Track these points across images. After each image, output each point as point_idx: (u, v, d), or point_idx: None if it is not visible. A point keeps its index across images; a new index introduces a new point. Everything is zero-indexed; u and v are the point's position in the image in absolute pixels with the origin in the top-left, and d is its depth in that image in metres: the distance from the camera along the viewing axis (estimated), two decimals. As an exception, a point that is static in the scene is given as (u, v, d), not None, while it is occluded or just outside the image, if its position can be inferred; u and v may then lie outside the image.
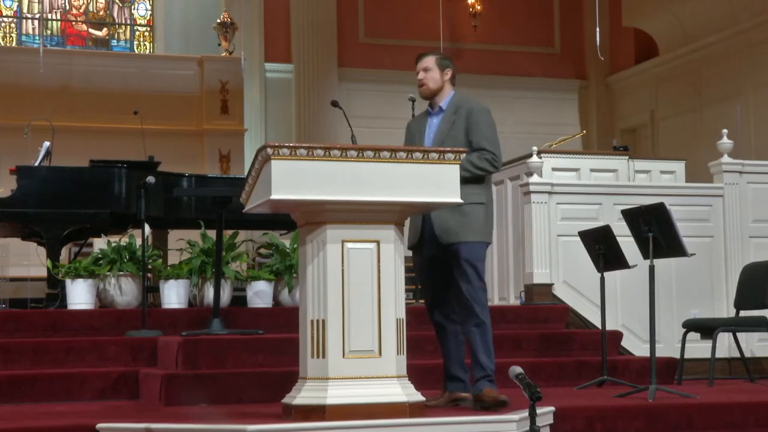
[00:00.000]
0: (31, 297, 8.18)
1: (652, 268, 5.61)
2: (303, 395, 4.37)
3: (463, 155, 4.56)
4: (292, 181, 4.28)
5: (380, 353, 4.41)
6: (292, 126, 14.64)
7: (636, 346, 7.52)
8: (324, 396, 4.30)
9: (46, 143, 7.71)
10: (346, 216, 4.42)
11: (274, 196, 4.26)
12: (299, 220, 4.58)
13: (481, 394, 4.84)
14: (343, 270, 4.40)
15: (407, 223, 4.86)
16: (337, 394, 4.31)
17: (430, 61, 5.16)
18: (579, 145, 13.86)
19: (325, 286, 4.38)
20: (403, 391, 4.41)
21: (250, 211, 4.67)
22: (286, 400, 4.48)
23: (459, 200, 4.51)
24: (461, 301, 4.99)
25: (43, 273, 8.57)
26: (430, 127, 5.12)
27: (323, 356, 4.37)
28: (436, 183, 4.45)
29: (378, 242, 4.45)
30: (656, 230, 5.55)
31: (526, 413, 4.35)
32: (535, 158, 7.72)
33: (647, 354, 7.23)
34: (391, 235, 4.48)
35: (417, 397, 4.45)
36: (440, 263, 5.03)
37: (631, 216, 5.75)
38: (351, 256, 4.41)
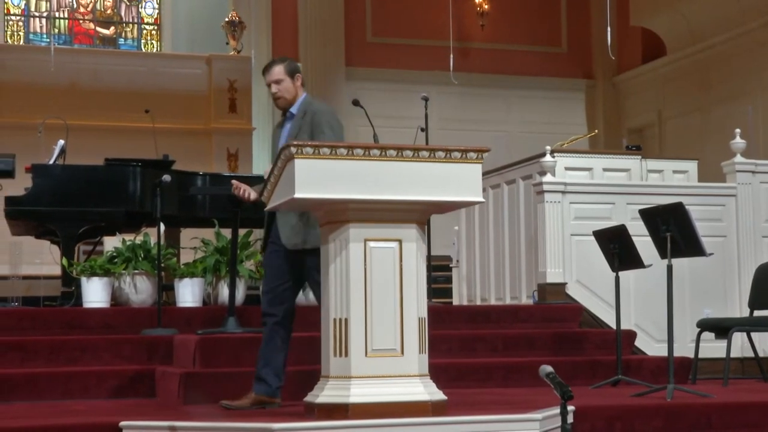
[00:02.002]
0: (44, 295, 8.18)
1: (670, 268, 5.61)
2: (326, 394, 4.37)
3: (485, 154, 4.55)
4: (316, 179, 4.29)
5: (402, 352, 4.42)
6: (299, 125, 14.64)
7: (649, 345, 7.52)
8: (347, 395, 4.31)
9: (61, 141, 7.72)
10: (369, 215, 4.42)
11: (297, 195, 4.27)
12: (321, 218, 4.58)
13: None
14: (365, 269, 4.41)
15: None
16: (360, 392, 4.32)
17: (279, 72, 5.09)
18: (586, 145, 13.87)
19: (347, 284, 4.39)
20: (425, 390, 4.42)
21: (272, 209, 4.68)
22: (309, 398, 4.49)
23: (481, 199, 4.52)
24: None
25: (56, 271, 8.59)
26: (283, 133, 5.11)
27: (346, 355, 4.37)
28: (458, 182, 4.46)
29: (400, 241, 4.46)
30: (674, 230, 5.55)
31: (549, 412, 4.37)
32: (548, 157, 7.72)
33: (660, 353, 7.26)
34: (413, 234, 4.49)
35: (439, 396, 4.46)
36: (286, 265, 5.04)
37: (649, 215, 5.74)
38: (373, 255, 4.42)
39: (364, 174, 4.34)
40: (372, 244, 4.43)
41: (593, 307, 7.56)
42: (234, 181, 5.30)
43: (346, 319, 4.39)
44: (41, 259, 8.98)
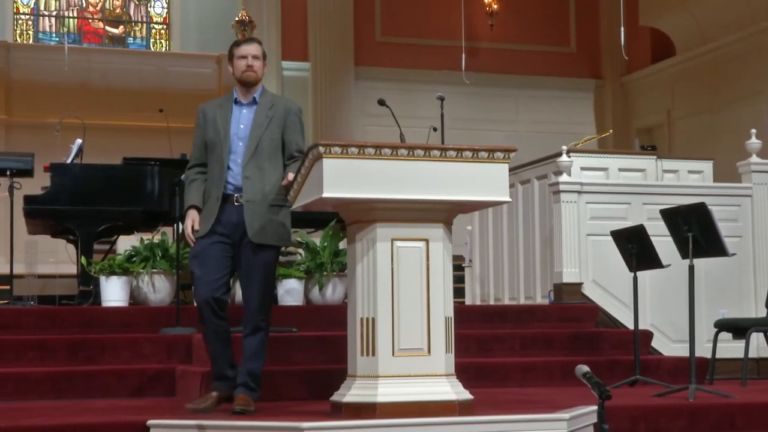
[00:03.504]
0: (59, 294, 8.19)
1: (692, 268, 5.62)
2: (353, 393, 4.38)
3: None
4: (344, 179, 4.30)
5: (429, 351, 4.43)
6: (308, 124, 14.64)
7: (665, 345, 7.52)
8: (374, 394, 4.32)
9: (78, 141, 7.73)
10: (396, 214, 4.44)
11: (326, 195, 4.28)
12: (348, 218, 4.59)
13: (236, 398, 4.80)
14: (392, 268, 4.42)
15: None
16: (387, 392, 4.33)
17: (259, 49, 5.00)
18: (595, 145, 13.88)
19: (374, 284, 4.40)
20: (452, 390, 4.43)
21: (297, 209, 4.68)
22: (335, 397, 4.50)
23: (508, 199, 4.52)
24: (251, 302, 4.86)
25: (70, 270, 8.60)
26: (240, 117, 4.93)
27: (373, 354, 4.38)
28: (485, 182, 4.47)
29: (427, 241, 4.48)
30: (696, 230, 5.55)
31: (576, 412, 4.38)
32: (564, 157, 7.73)
33: (676, 354, 7.28)
34: (439, 234, 4.50)
35: (465, 395, 4.47)
36: (235, 256, 4.87)
37: (670, 216, 5.74)
38: (400, 254, 4.44)
39: (391, 173, 4.35)
40: (399, 243, 4.44)
41: (609, 307, 7.57)
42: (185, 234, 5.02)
43: (373, 319, 4.40)
44: (55, 257, 8.98)
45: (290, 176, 4.67)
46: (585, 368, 3.40)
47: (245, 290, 4.94)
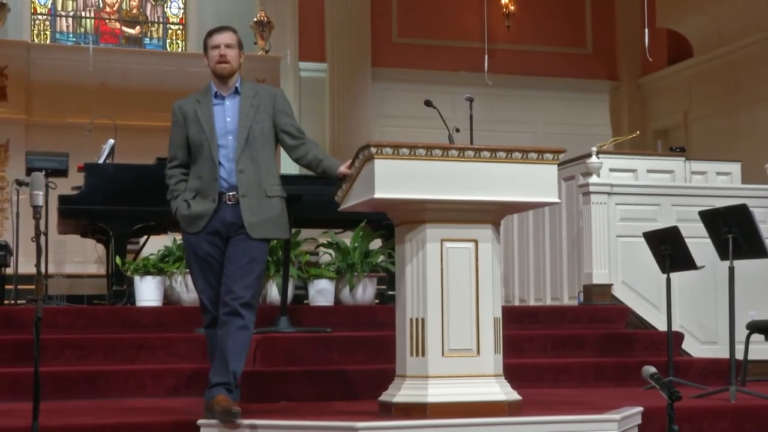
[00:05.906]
0: (87, 294, 8.20)
1: (732, 270, 5.63)
2: (403, 393, 4.39)
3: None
4: (395, 180, 4.31)
5: (478, 352, 4.44)
6: (325, 125, 14.66)
7: (694, 347, 7.53)
8: (425, 394, 4.34)
9: (111, 141, 7.75)
10: (446, 215, 4.45)
11: (377, 195, 4.29)
12: (396, 218, 4.60)
13: (212, 401, 4.47)
14: (442, 269, 4.43)
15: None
16: (437, 392, 4.34)
17: (233, 37, 4.67)
18: (612, 146, 13.86)
19: (424, 284, 4.42)
20: (501, 390, 4.44)
21: (346, 209, 4.69)
22: (385, 398, 4.51)
23: (557, 200, 4.54)
24: (233, 299, 4.53)
25: (96, 270, 8.61)
26: (225, 110, 4.64)
27: (423, 354, 4.40)
28: (534, 183, 4.49)
29: (476, 241, 4.49)
30: (737, 231, 5.56)
31: (627, 412, 4.39)
32: (594, 158, 7.73)
33: (705, 355, 7.28)
34: (488, 235, 4.51)
35: (514, 396, 4.48)
36: (223, 257, 4.61)
37: (710, 217, 5.75)
38: (450, 255, 4.45)
39: (442, 174, 4.36)
40: (448, 244, 4.45)
41: (638, 308, 7.58)
42: None
43: (422, 319, 4.41)
44: (82, 257, 9.01)
45: (344, 169, 4.55)
46: (652, 369, 3.41)
47: (227, 271, 4.56)
